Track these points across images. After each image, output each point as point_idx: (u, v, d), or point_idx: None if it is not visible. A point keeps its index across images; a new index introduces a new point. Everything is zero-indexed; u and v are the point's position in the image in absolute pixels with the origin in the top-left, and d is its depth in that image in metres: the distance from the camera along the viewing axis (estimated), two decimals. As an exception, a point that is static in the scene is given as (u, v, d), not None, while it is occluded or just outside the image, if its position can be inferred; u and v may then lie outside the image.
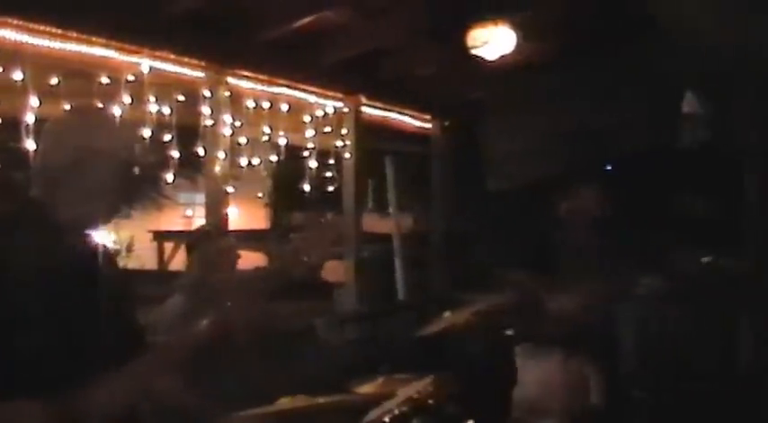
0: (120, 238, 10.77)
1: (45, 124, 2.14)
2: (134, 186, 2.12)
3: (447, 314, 3.99)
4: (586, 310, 4.06)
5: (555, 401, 4.16)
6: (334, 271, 6.58)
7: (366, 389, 3.45)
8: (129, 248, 12.17)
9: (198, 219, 13.32)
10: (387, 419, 3.32)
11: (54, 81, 3.89)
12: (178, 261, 9.77)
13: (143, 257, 11.59)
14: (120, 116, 2.52)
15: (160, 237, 11.48)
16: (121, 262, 9.40)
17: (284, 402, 2.80)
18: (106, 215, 2.05)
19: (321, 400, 2.86)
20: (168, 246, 11.00)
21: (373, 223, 8.54)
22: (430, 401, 3.39)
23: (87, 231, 2.05)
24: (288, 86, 5.34)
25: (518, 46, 5.04)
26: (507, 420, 4.40)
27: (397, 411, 3.34)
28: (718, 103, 6.19)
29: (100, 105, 3.46)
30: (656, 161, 7.16)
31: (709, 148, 6.57)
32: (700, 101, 6.62)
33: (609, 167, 7.52)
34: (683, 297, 5.42)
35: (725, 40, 5.21)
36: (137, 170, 2.07)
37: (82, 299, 1.92)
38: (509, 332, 6.46)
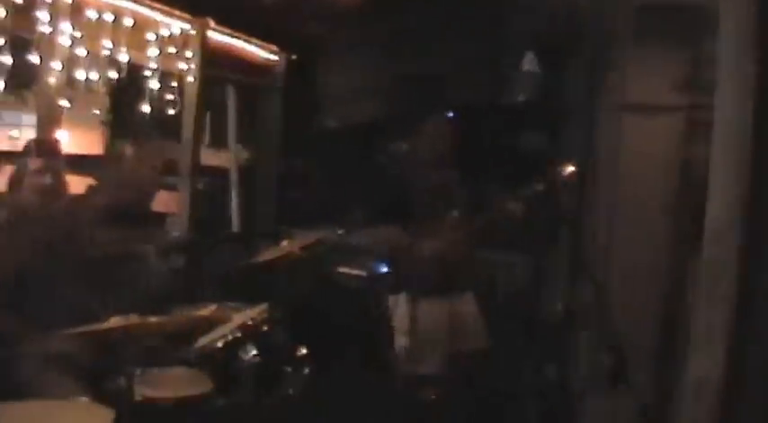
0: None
1: None
2: None
3: (284, 244, 4.05)
4: (452, 250, 4.14)
5: (435, 348, 4.22)
6: (166, 201, 6.44)
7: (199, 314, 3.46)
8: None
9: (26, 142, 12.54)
10: (220, 344, 3.36)
11: None
12: (1, 182, 9.22)
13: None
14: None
15: (-6, 158, 10.86)
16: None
17: (116, 321, 2.76)
18: None
19: (153, 319, 2.84)
20: None
21: (211, 156, 8.39)
22: (264, 328, 3.46)
23: None
24: (134, 0, 5.10)
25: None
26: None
27: (230, 337, 3.39)
28: (551, 63, 6.48)
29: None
30: (492, 112, 7.41)
31: (542, 104, 6.86)
32: (537, 60, 6.88)
33: (450, 114, 7.73)
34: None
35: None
36: None
37: None
38: (342, 270, 6.62)
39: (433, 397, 4.23)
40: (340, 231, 6.94)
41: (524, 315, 5.81)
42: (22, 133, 5.88)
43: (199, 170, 6.47)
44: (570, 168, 4.19)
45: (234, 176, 8.02)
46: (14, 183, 3.64)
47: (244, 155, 8.23)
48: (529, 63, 7.34)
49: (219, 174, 8.04)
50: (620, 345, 3.41)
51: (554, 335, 5.29)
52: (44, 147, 3.72)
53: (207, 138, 8.74)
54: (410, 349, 4.23)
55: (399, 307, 4.40)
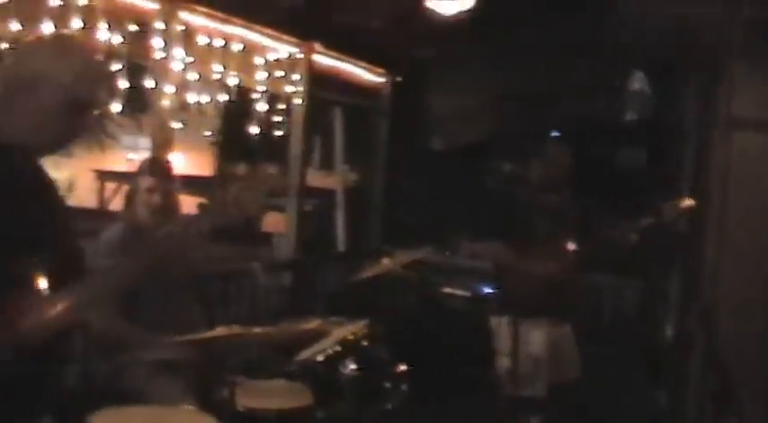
0: (62, 175, 10.63)
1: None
2: (81, 118, 2.08)
3: (384, 261, 4.09)
4: (562, 275, 4.07)
5: (537, 371, 4.14)
6: (274, 222, 6.61)
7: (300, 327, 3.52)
8: (71, 187, 12.05)
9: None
10: (321, 358, 3.41)
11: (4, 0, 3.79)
12: (119, 201, 9.69)
13: (84, 196, 11.48)
14: (79, 47, 2.47)
15: (104, 176, 11.42)
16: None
17: (220, 331, 2.84)
18: (50, 145, 2.07)
19: (257, 330, 2.91)
20: (110, 186, 10.95)
21: (318, 177, 8.57)
22: (363, 343, 3.49)
23: (32, 157, 2.05)
24: (243, 26, 5.30)
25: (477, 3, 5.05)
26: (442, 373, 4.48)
27: (330, 351, 3.43)
28: (661, 82, 6.34)
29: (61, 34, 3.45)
30: (601, 130, 7.31)
31: (651, 123, 6.73)
32: (647, 79, 6.77)
33: (555, 133, 7.65)
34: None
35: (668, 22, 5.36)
36: (85, 103, 2.05)
37: (24, 220, 1.92)
38: (446, 289, 6.62)
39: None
40: (447, 252, 6.96)
41: (634, 340, 5.67)
42: (139, 156, 6.15)
43: (306, 191, 6.61)
44: (687, 202, 4.09)
45: (340, 197, 8.14)
46: (128, 201, 3.80)
47: (351, 176, 8.36)
48: (639, 82, 7.22)
49: (326, 195, 8.20)
50: (727, 371, 3.28)
51: (665, 360, 5.14)
52: (156, 167, 3.87)
53: (316, 160, 8.96)
54: (512, 371, 4.18)
55: (502, 327, 4.34)
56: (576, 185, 4.41)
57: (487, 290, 6.60)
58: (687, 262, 5.02)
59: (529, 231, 4.23)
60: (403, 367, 3.54)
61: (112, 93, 4.43)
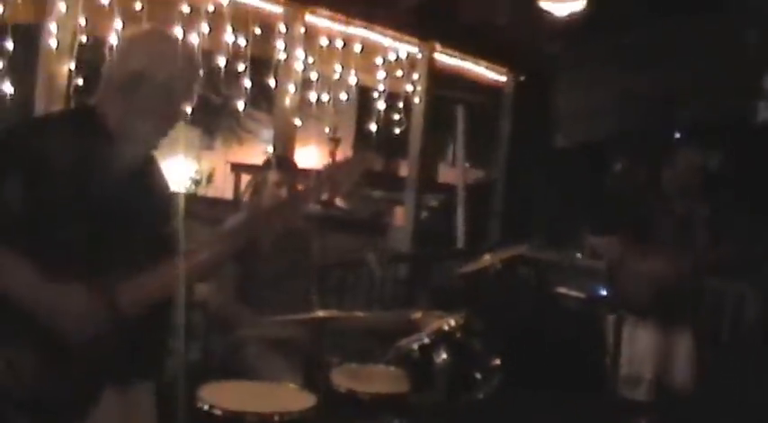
0: (201, 168, 11.20)
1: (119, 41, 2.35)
2: (175, 112, 2.24)
3: (486, 257, 4.19)
4: (680, 277, 3.98)
5: (646, 375, 4.10)
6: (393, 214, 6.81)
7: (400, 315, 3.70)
8: (210, 178, 12.66)
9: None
10: (415, 346, 3.57)
11: (138, 6, 4.13)
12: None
13: (222, 188, 12.04)
14: (192, 45, 2.69)
15: (238, 169, 11.93)
16: (201, 191, 9.93)
17: (320, 313, 3.05)
18: (157, 134, 2.23)
19: (359, 314, 3.09)
20: (245, 178, 11.42)
21: (443, 173, 8.71)
22: (458, 335, 3.62)
23: (142, 145, 2.23)
24: (363, 27, 5.52)
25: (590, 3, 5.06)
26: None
27: (426, 340, 3.58)
28: None
29: (171, 32, 3.72)
30: (729, 133, 7.09)
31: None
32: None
33: (678, 135, 7.49)
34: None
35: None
36: (180, 98, 2.22)
37: (127, 203, 2.11)
38: (560, 289, 6.62)
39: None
40: (578, 254, 6.97)
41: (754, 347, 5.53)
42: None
43: (435, 186, 6.76)
44: None
45: (461, 193, 8.26)
46: (253, 192, 4.04)
47: (472, 173, 8.47)
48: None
49: (448, 190, 8.34)
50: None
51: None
52: (283, 162, 4.11)
53: (449, 156, 9.12)
54: (621, 372, 4.15)
55: (609, 326, 4.32)
56: (705, 190, 4.32)
57: (603, 292, 6.59)
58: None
59: (651, 232, 4.18)
60: (497, 361, 3.63)
61: (217, 87, 4.70)
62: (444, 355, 3.45)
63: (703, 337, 4.22)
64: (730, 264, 4.37)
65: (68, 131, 2.10)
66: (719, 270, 4.49)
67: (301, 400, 2.90)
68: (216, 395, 2.79)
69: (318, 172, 2.42)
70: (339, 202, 5.69)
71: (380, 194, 8.08)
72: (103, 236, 2.06)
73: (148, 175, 2.31)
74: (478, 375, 3.53)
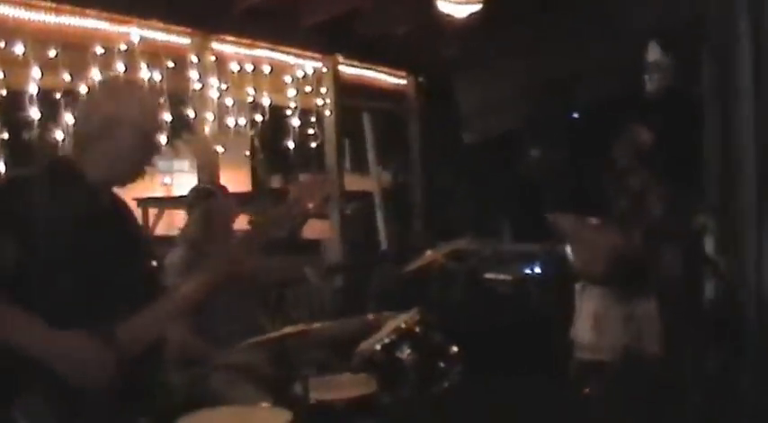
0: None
1: (81, 96, 2.44)
2: (154, 151, 2.37)
3: (428, 253, 4.35)
4: (633, 246, 4.07)
5: (610, 338, 4.21)
6: (320, 229, 6.91)
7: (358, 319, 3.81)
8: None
9: (176, 186, 13.56)
10: (378, 347, 3.69)
11: (52, 53, 4.13)
12: (161, 226, 10.08)
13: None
14: (142, 86, 2.79)
15: (144, 203, 11.75)
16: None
17: (288, 329, 3.13)
18: (129, 176, 2.32)
19: (317, 325, 3.18)
20: (153, 211, 11.27)
21: (353, 182, 8.84)
22: (417, 329, 3.76)
23: (113, 189, 2.33)
24: (269, 49, 5.62)
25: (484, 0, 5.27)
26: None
27: (387, 340, 3.71)
28: (679, 52, 6.40)
29: (126, 77, 3.78)
30: (624, 108, 7.44)
31: (674, 94, 6.80)
32: (663, 49, 6.85)
33: (575, 115, 7.85)
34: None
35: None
36: (152, 137, 2.34)
37: (107, 247, 2.19)
38: (488, 275, 6.84)
39: (587, 390, 4.26)
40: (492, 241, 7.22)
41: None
42: (173, 179, 6.47)
43: (344, 195, 6.91)
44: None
45: (378, 198, 8.42)
46: (188, 224, 4.06)
47: (385, 177, 8.65)
48: (654, 53, 7.33)
49: (364, 197, 8.49)
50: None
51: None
52: (220, 188, 4.16)
53: (347, 164, 9.24)
54: (585, 339, 4.27)
55: (578, 296, 4.41)
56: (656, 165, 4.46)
57: (528, 271, 6.87)
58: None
59: (605, 207, 4.31)
60: (455, 349, 3.79)
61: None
62: (408, 351, 3.60)
63: (668, 303, 4.27)
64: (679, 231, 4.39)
65: (50, 187, 2.16)
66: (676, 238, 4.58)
67: (277, 417, 2.95)
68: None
69: (280, 202, 2.53)
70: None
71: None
72: (96, 280, 2.13)
73: (124, 213, 2.40)
74: (442, 364, 3.69)
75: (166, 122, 4.68)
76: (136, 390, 2.20)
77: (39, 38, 4.10)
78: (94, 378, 2.05)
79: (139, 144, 2.29)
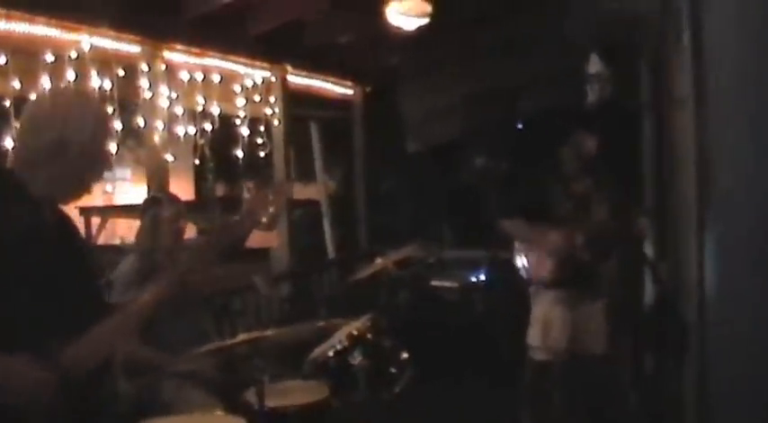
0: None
1: (25, 106, 2.39)
2: (104, 168, 2.33)
3: (378, 260, 4.40)
4: (577, 250, 4.12)
5: (560, 340, 4.24)
6: (267, 237, 6.93)
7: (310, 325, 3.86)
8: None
9: (118, 195, 13.42)
10: (331, 353, 3.75)
11: (2, 60, 4.10)
12: (105, 236, 9.96)
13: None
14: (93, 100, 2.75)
15: (87, 212, 11.56)
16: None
17: (242, 337, 3.16)
18: (77, 193, 2.30)
19: (269, 332, 3.22)
20: (95, 221, 11.12)
21: (301, 190, 8.88)
22: (368, 335, 3.83)
23: (59, 205, 2.29)
24: (219, 58, 5.66)
25: (432, 13, 5.39)
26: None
27: (339, 346, 3.77)
28: (618, 63, 6.57)
29: (76, 90, 3.73)
30: (564, 118, 7.62)
31: (613, 105, 6.98)
32: (603, 61, 7.02)
33: (519, 126, 8.03)
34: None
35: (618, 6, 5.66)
36: (102, 152, 2.29)
37: (51, 263, 2.14)
38: (434, 282, 6.95)
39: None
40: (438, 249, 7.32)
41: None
42: (115, 188, 6.41)
43: (292, 205, 6.95)
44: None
45: (325, 206, 8.49)
46: (139, 233, 4.06)
47: (331, 185, 8.72)
48: (594, 65, 7.54)
49: (310, 205, 8.55)
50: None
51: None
52: (165, 199, 4.15)
53: (293, 173, 9.27)
54: (535, 341, 4.39)
55: (532, 299, 4.52)
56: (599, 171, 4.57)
57: (474, 279, 7.00)
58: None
59: (552, 212, 4.42)
60: (405, 354, 3.87)
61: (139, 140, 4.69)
62: (360, 357, 3.66)
63: (615, 305, 4.36)
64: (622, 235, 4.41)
65: None
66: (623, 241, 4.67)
67: (232, 423, 3.01)
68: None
69: (241, 211, 2.56)
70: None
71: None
72: (41, 298, 2.08)
73: (68, 228, 2.36)
74: (393, 370, 3.76)
75: (116, 132, 4.67)
76: (84, 408, 2.16)
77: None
78: (34, 400, 2.01)
79: (89, 163, 2.26)
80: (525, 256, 4.40)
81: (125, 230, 8.08)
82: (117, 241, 8.28)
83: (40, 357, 2.00)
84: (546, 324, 4.30)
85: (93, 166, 2.29)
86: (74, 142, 2.19)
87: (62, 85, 4.22)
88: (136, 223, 4.08)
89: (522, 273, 4.42)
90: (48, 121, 2.23)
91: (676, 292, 3.84)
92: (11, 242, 2.05)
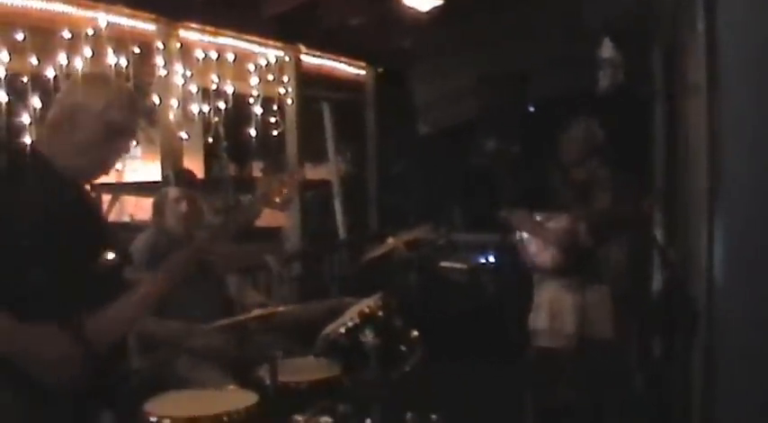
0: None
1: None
2: (117, 142, 2.32)
3: (389, 241, 4.44)
4: (580, 237, 4.16)
5: (564, 327, 4.32)
6: (279, 217, 6.98)
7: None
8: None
9: (128, 172, 13.48)
10: (342, 330, 3.79)
11: (20, 37, 4.13)
12: (115, 212, 10.03)
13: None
14: (109, 79, 2.78)
15: (98, 189, 11.64)
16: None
17: (256, 312, 3.22)
18: (100, 168, 2.33)
19: (282, 308, 3.27)
20: (106, 198, 11.19)
21: (311, 170, 8.90)
22: (379, 314, 3.87)
23: (81, 181, 2.33)
24: (233, 37, 5.68)
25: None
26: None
27: (350, 324, 3.81)
28: (631, 49, 6.54)
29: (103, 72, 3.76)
30: (576, 103, 7.62)
31: (625, 91, 6.97)
32: (616, 46, 7.00)
33: (531, 109, 8.03)
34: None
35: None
36: (118, 128, 2.28)
37: (76, 240, 2.18)
38: (444, 264, 6.99)
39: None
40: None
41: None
42: (125, 165, 6.44)
43: (304, 185, 6.97)
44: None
45: (336, 187, 8.51)
46: (156, 210, 4.10)
47: (343, 166, 8.74)
48: (607, 50, 7.52)
49: (322, 186, 8.57)
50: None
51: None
52: (181, 177, 4.18)
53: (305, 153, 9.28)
54: (542, 327, 4.43)
55: (536, 285, 4.55)
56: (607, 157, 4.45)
57: (483, 261, 7.05)
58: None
59: (554, 200, 4.45)
60: (415, 333, 3.90)
61: (150, 119, 4.74)
62: (371, 335, 3.70)
63: (623, 290, 4.39)
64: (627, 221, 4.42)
65: (16, 178, 2.16)
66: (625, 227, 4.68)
67: (244, 399, 3.05)
68: (163, 407, 2.90)
69: (255, 192, 2.58)
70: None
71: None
72: (65, 274, 2.11)
73: (91, 206, 2.43)
74: (403, 348, 3.80)
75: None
76: (101, 383, 2.21)
77: (6, 21, 4.11)
78: (61, 373, 2.06)
79: (105, 135, 2.27)
80: (528, 245, 4.44)
81: (134, 208, 8.14)
82: (126, 218, 8.32)
83: (64, 331, 2.06)
84: (552, 310, 4.34)
85: (112, 140, 2.29)
86: (89, 109, 2.23)
87: (78, 62, 4.26)
88: (145, 201, 4.11)
89: (526, 259, 4.46)
90: (66, 92, 2.32)
91: (685, 276, 3.86)
92: (37, 218, 2.08)
